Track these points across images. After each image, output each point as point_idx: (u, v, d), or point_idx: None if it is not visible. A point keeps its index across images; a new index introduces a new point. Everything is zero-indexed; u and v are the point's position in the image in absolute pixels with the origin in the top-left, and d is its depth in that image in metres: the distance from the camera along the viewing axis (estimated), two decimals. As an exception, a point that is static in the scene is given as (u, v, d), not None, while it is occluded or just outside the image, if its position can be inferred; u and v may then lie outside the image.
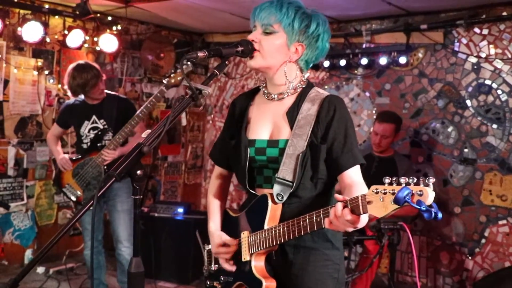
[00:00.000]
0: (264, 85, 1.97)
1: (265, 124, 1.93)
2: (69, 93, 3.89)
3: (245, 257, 1.90)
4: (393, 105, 5.03)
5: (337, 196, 1.60)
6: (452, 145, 4.69)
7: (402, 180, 1.41)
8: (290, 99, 1.91)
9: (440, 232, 4.76)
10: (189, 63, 3.86)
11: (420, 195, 1.37)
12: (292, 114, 1.87)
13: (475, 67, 4.55)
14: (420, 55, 4.86)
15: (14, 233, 4.89)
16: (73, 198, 3.83)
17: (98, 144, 3.80)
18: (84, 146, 3.86)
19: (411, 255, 4.86)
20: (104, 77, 3.87)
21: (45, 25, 4.82)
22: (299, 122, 1.83)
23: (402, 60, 4.80)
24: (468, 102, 4.60)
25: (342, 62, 5.15)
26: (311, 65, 1.95)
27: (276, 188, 1.82)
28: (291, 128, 1.85)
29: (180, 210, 4.90)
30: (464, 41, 4.60)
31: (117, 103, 3.91)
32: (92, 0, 4.65)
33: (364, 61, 5.01)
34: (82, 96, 3.88)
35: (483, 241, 4.51)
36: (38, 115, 5.02)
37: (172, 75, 3.66)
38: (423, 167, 4.85)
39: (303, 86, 1.92)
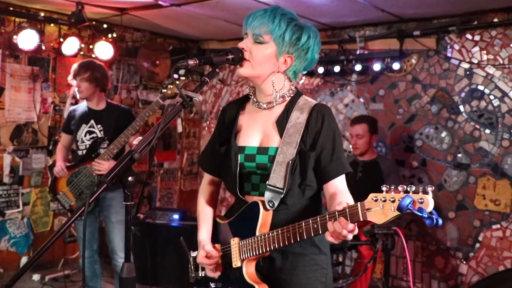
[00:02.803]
0: (252, 91, 2.00)
1: (255, 132, 1.95)
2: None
3: (236, 263, 1.92)
4: (387, 111, 5.07)
5: (337, 207, 1.62)
6: (445, 150, 4.72)
7: (400, 188, 1.47)
8: (279, 108, 1.94)
9: (434, 237, 4.78)
10: (181, 75, 3.84)
11: (421, 202, 1.43)
12: (281, 123, 1.90)
13: (468, 72, 4.59)
14: (414, 61, 4.90)
15: (10, 240, 4.90)
16: (67, 206, 3.83)
17: (93, 154, 3.77)
18: (80, 153, 3.86)
19: (406, 260, 4.88)
20: (89, 84, 3.79)
21: (41, 33, 4.85)
22: (289, 130, 1.86)
23: (396, 66, 4.84)
24: (461, 108, 4.64)
25: (336, 69, 5.18)
26: (298, 75, 1.98)
27: (267, 195, 1.84)
28: (281, 136, 1.87)
29: (176, 216, 4.91)
30: (457, 47, 4.64)
31: (118, 113, 3.91)
32: (88, 8, 4.68)
33: (358, 67, 5.05)
34: (85, 102, 3.91)
35: (477, 245, 4.53)
36: (33, 123, 5.04)
37: (169, 87, 3.65)
38: (417, 172, 4.88)
39: (292, 95, 1.95)
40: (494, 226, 4.45)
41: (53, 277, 4.87)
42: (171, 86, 3.63)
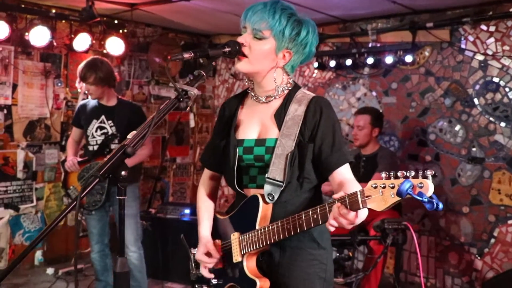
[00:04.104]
0: (251, 87, 1.98)
1: (253, 125, 1.94)
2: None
3: (237, 258, 1.91)
4: (400, 104, 4.99)
5: (335, 196, 1.60)
6: (459, 144, 4.64)
7: (400, 173, 1.45)
8: (277, 102, 1.92)
9: (448, 232, 4.70)
10: (196, 76, 3.80)
11: (421, 187, 1.41)
12: (279, 116, 1.88)
13: (482, 64, 4.50)
14: (427, 53, 4.82)
15: (24, 234, 4.97)
16: (77, 201, 3.85)
17: (106, 150, 3.77)
18: (90, 148, 3.87)
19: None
20: (96, 86, 3.73)
21: (52, 29, 4.87)
22: (287, 123, 1.84)
23: (408, 58, 4.76)
24: (476, 100, 4.54)
25: (348, 62, 5.13)
26: (295, 69, 1.96)
27: (267, 188, 1.83)
28: (279, 129, 1.86)
29: (187, 211, 4.92)
30: (471, 38, 4.55)
31: (129, 110, 3.89)
32: (98, 4, 4.69)
33: (370, 60, 4.98)
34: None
35: (492, 241, 4.45)
36: (46, 118, 5.09)
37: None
38: (430, 166, 4.80)
39: (290, 88, 1.93)
40: (509, 221, 4.36)
41: (67, 271, 4.93)
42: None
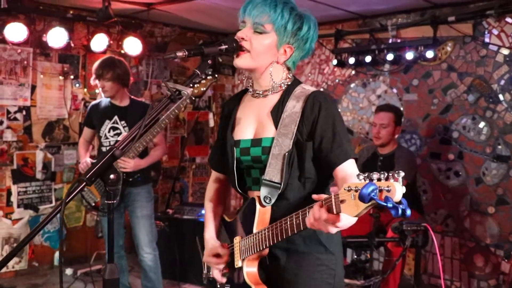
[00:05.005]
0: (250, 83, 1.92)
1: (249, 123, 1.88)
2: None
3: (237, 263, 1.85)
4: (421, 101, 4.84)
5: (314, 196, 1.52)
6: (484, 142, 4.47)
7: (375, 175, 1.29)
8: (275, 97, 1.85)
9: (473, 233, 4.54)
10: (208, 74, 3.75)
11: (388, 191, 1.25)
12: (276, 113, 1.81)
13: (508, 59, 4.32)
14: (449, 48, 4.66)
15: (43, 235, 5.01)
16: (91, 203, 3.84)
17: None
18: (103, 149, 3.85)
19: (442, 258, 4.66)
20: (113, 83, 3.72)
21: (70, 30, 4.91)
22: (284, 120, 1.76)
23: (429, 54, 4.60)
24: (501, 96, 4.37)
25: (368, 59, 5.00)
26: (296, 65, 1.88)
27: (263, 191, 1.76)
28: (276, 127, 1.78)
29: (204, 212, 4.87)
30: (495, 32, 4.37)
31: (142, 110, 3.83)
32: (114, 4, 4.69)
33: (390, 56, 4.84)
34: (108, 98, 3.88)
35: (520, 242, 4.28)
36: (64, 119, 5.13)
37: (196, 85, 3.56)
38: (453, 165, 4.64)
39: (288, 83, 1.85)
40: (537, 222, 4.18)
41: (85, 271, 4.94)
42: (198, 85, 3.54)
